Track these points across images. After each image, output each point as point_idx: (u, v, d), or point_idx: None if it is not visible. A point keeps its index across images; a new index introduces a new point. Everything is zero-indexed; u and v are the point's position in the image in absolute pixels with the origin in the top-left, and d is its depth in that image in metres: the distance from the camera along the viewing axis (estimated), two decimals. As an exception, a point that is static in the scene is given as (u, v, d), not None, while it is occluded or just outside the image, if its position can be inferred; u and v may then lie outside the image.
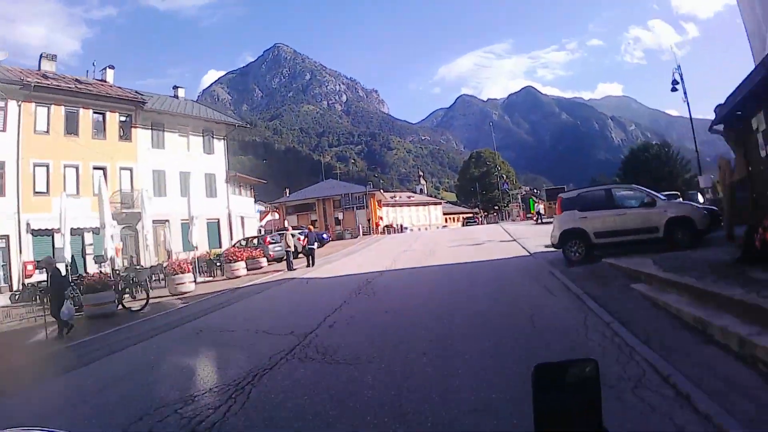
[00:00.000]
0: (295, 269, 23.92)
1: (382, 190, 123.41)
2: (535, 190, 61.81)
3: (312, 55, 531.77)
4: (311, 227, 29.30)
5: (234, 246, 32.73)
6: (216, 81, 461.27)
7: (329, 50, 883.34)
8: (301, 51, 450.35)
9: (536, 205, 38.26)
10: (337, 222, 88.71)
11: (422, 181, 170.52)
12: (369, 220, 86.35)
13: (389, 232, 72.59)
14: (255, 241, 33.19)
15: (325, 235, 43.05)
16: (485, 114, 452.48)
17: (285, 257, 25.18)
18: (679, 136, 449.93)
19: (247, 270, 25.62)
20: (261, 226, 51.57)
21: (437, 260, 20.98)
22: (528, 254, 19.66)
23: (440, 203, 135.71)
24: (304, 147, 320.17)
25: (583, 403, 1.45)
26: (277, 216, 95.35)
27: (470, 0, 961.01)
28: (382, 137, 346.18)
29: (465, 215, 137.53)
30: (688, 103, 27.84)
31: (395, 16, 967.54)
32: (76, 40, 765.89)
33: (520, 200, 48.90)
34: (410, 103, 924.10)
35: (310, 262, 24.77)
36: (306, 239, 25.75)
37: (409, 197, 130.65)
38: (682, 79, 27.81)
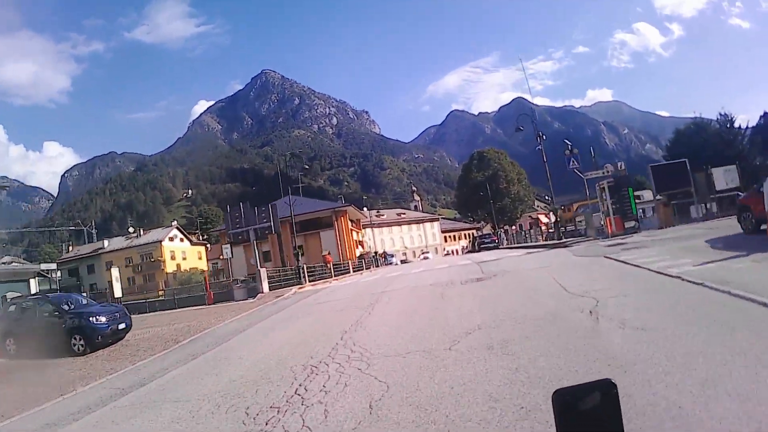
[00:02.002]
0: None
1: (365, 208, 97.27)
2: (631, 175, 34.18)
3: (300, 79, 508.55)
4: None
5: None
6: (205, 111, 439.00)
7: (317, 74, 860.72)
8: (288, 76, 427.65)
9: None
10: (299, 252, 62.53)
11: (416, 197, 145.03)
12: (338, 247, 60.37)
13: (364, 266, 46.31)
14: None
15: (99, 319, 15.08)
16: (477, 128, 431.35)
17: None
18: (672, 136, 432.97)
19: None
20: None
21: None
22: None
23: (437, 219, 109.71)
24: (296, 172, 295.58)
25: (605, 424, 1.41)
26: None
27: (454, 17, 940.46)
28: (374, 158, 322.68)
29: (471, 232, 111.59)
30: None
31: (380, 36, 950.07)
32: (65, 77, 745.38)
33: (607, 194, 20.64)
34: (401, 122, 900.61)
35: None
36: None
37: (399, 215, 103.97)
38: None
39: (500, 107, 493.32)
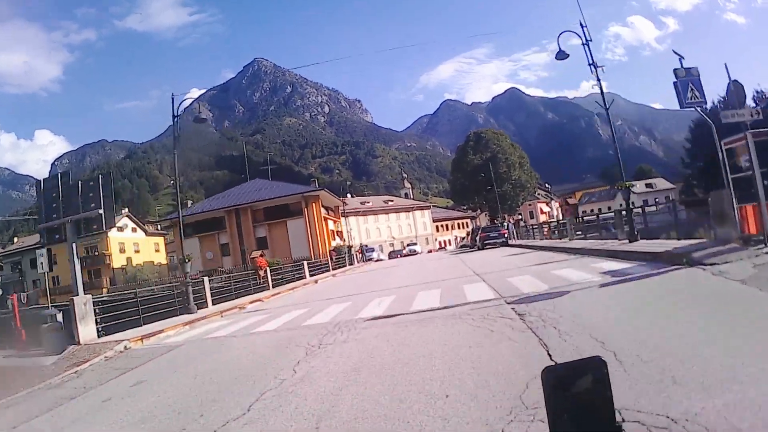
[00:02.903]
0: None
1: (349, 194, 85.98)
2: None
3: (292, 67, 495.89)
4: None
5: None
6: (197, 99, 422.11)
7: (310, 62, 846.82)
8: (281, 64, 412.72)
9: None
10: (261, 244, 51.12)
11: (407, 184, 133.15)
12: (308, 239, 49.17)
13: (331, 266, 35.02)
14: None
15: None
16: (470, 118, 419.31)
17: None
18: (665, 128, 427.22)
19: None
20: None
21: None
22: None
23: (428, 207, 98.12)
24: (286, 159, 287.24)
25: (596, 402, 1.37)
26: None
27: (447, 7, 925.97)
28: (366, 146, 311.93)
29: (465, 221, 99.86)
30: None
31: (374, 26, 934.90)
32: (57, 65, 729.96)
33: (752, 155, 8.66)
34: (394, 111, 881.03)
35: None
36: None
37: (386, 202, 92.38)
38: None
39: (493, 97, 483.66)
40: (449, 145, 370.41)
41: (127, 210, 73.50)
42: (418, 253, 55.94)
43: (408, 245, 67.68)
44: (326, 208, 54.43)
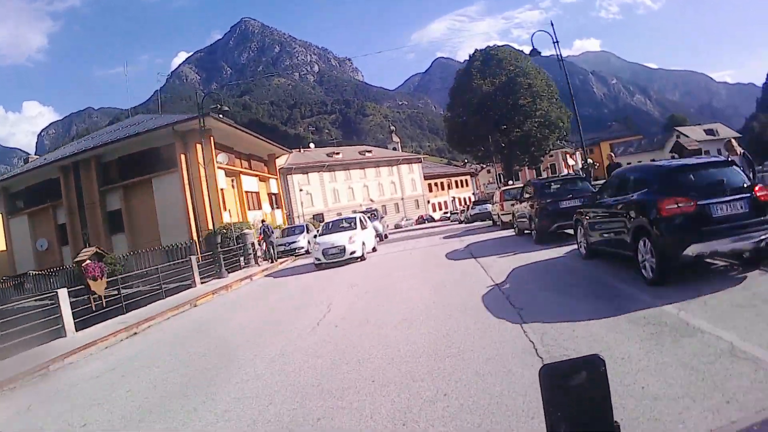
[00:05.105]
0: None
1: (312, 144, 62.39)
2: None
3: (281, 27, 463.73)
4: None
5: None
6: (184, 62, 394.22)
7: (298, 21, 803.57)
8: (269, 24, 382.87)
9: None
10: (115, 222, 27.57)
11: (395, 138, 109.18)
12: (191, 210, 25.16)
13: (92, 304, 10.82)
14: None
15: None
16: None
17: None
18: (660, 87, 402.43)
19: None
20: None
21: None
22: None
23: (419, 161, 73.75)
24: (274, 120, 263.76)
25: (593, 401, 1.32)
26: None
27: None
28: (357, 104, 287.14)
29: (464, 178, 76.04)
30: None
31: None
32: (42, 35, 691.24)
33: None
34: (385, 70, 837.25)
35: None
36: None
37: (362, 153, 68.03)
38: None
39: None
40: (442, 103, 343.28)
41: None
42: (356, 255, 16.42)
43: (344, 220, 19.32)
44: (248, 159, 30.73)
